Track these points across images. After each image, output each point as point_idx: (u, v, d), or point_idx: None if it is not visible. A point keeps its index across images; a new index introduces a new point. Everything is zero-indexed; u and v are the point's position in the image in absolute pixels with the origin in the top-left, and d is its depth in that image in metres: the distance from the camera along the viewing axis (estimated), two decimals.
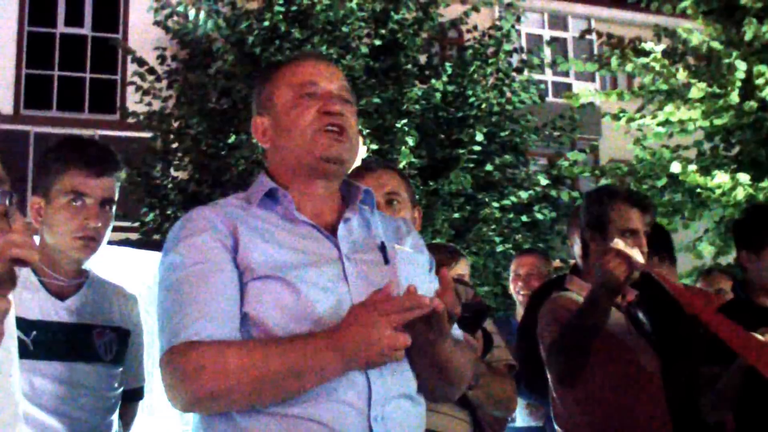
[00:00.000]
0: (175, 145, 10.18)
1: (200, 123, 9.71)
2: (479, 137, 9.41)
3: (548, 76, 15.67)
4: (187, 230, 1.58)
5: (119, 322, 2.17)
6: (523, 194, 9.78)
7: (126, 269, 2.81)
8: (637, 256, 2.50)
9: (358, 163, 2.28)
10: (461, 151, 9.40)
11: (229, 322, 1.49)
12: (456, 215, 9.31)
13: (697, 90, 7.77)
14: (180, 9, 10.14)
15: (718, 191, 7.55)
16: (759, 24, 7.82)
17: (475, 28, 10.60)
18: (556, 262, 9.35)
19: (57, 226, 2.05)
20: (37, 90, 14.43)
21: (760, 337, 2.45)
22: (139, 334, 2.27)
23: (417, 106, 9.54)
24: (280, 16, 9.54)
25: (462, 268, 3.19)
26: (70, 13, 14.81)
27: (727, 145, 8.55)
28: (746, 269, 2.91)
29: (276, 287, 1.51)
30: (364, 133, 8.17)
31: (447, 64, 10.22)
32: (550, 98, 14.70)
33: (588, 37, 10.45)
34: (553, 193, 9.98)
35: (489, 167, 9.73)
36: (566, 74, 16.02)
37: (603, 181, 8.46)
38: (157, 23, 10.31)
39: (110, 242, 2.21)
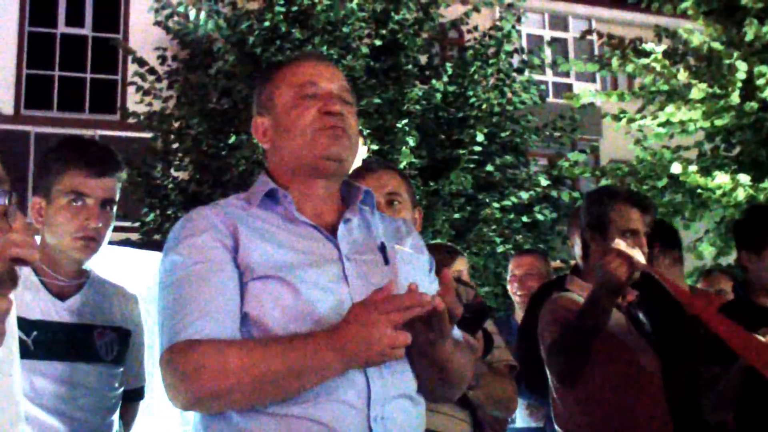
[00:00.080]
0: (175, 146, 10.18)
1: (201, 123, 9.70)
2: (480, 138, 9.41)
3: (549, 76, 15.66)
4: (187, 230, 1.58)
5: (120, 322, 2.17)
6: (524, 195, 9.79)
7: (126, 269, 2.81)
8: (638, 256, 2.51)
9: (358, 163, 2.28)
10: (462, 151, 9.40)
11: (230, 322, 1.49)
12: (456, 216, 9.31)
13: (698, 90, 7.76)
14: (180, 9, 10.14)
15: (719, 192, 7.54)
16: (760, 24, 7.81)
17: (476, 28, 10.60)
18: (557, 263, 9.36)
19: (57, 227, 2.05)
20: (37, 90, 14.42)
21: (760, 337, 2.45)
22: (140, 334, 2.27)
23: (417, 107, 9.53)
24: (281, 17, 9.53)
25: (460, 265, 3.19)
26: (70, 13, 14.80)
27: (727, 145, 8.55)
28: (747, 270, 2.91)
29: (276, 287, 1.51)
30: (365, 133, 8.16)
31: (447, 64, 10.23)
32: (550, 99, 14.69)
33: (589, 37, 10.42)
34: (554, 193, 9.98)
35: (489, 168, 9.74)
36: (567, 75, 16.02)
37: (603, 182, 8.45)
38: (157, 23, 10.32)
39: (111, 242, 2.21)
